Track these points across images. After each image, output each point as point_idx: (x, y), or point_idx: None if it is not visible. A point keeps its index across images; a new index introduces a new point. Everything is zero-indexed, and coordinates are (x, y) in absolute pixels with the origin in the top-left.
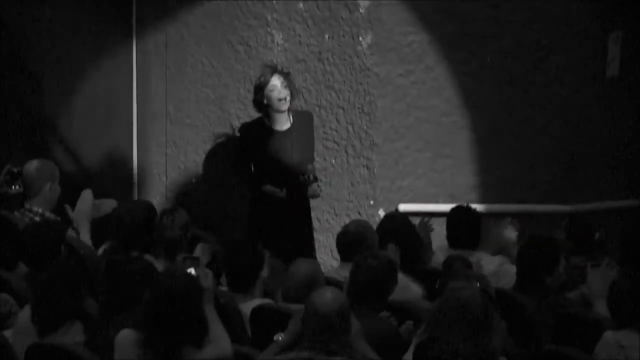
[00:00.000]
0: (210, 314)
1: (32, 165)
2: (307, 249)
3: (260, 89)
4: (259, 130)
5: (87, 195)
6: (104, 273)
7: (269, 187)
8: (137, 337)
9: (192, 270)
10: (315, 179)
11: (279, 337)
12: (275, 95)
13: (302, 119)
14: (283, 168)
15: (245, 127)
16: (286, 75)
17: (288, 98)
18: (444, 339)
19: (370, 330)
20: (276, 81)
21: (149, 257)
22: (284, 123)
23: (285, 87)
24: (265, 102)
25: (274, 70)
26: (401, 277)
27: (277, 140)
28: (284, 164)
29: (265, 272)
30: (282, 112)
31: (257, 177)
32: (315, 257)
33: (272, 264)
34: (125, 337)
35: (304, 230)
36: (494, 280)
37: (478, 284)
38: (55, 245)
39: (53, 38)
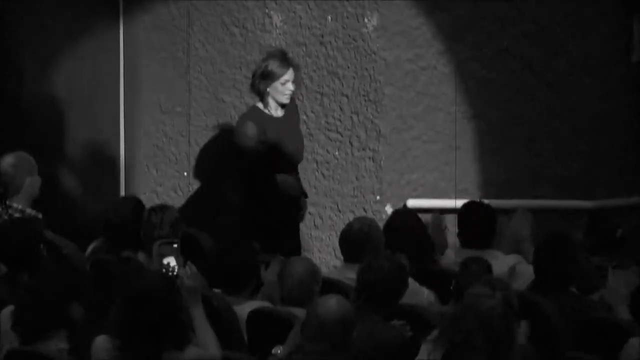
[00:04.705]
0: (197, 315)
1: (8, 162)
2: (297, 248)
3: (269, 77)
4: (261, 119)
5: None
6: (90, 274)
7: (284, 177)
8: (113, 344)
9: (170, 261)
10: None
11: (278, 350)
12: (284, 89)
13: (291, 105)
14: (292, 154)
15: (250, 118)
16: (298, 69)
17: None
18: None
19: (378, 336)
20: (289, 76)
21: (141, 257)
22: (279, 109)
23: (293, 82)
24: (268, 90)
25: (289, 62)
26: (411, 281)
27: (279, 127)
28: (293, 149)
29: (272, 274)
30: (285, 104)
31: (264, 168)
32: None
33: (279, 265)
34: (101, 343)
35: (294, 229)
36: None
37: (500, 294)
38: (34, 244)
39: (33, 20)
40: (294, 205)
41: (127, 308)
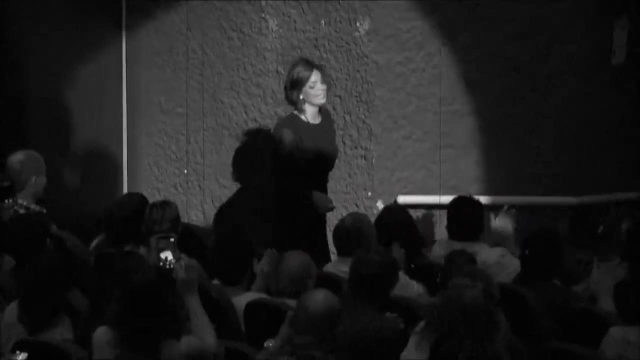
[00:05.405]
0: (194, 305)
1: (16, 158)
2: (325, 255)
3: (298, 85)
4: (298, 125)
5: None
6: (93, 267)
7: (319, 195)
8: (113, 335)
9: (168, 255)
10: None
11: (269, 343)
12: (316, 91)
13: (326, 111)
14: (326, 162)
15: (287, 125)
16: (322, 69)
17: (326, 91)
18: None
19: (377, 328)
20: (316, 76)
21: (142, 251)
22: (316, 117)
23: (322, 81)
24: (302, 97)
25: (311, 64)
26: (401, 274)
27: (314, 134)
28: (327, 157)
29: (266, 267)
30: (322, 104)
31: (301, 179)
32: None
33: (273, 258)
34: (101, 335)
35: (322, 236)
36: (494, 273)
37: (481, 285)
38: (40, 238)
39: (38, 24)
40: (320, 217)
41: (125, 300)
